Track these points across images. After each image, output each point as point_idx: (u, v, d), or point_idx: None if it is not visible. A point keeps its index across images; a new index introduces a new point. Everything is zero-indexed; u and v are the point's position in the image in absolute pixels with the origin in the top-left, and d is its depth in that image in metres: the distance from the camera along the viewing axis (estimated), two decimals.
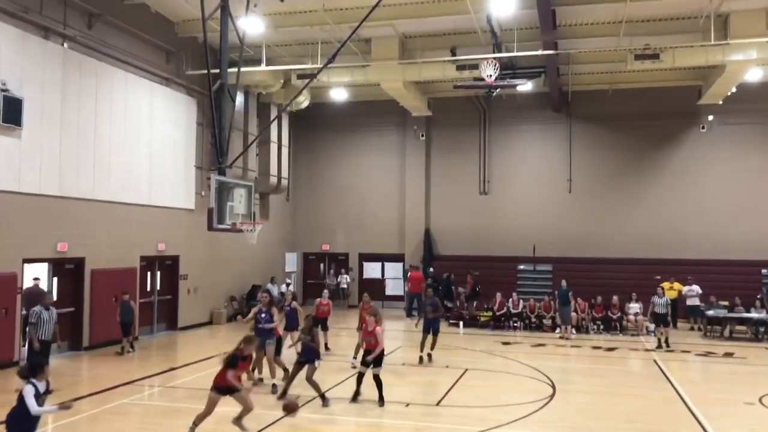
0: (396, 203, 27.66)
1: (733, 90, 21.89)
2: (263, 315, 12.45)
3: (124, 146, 17.84)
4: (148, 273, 19.41)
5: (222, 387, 9.11)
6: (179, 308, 20.49)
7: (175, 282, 20.42)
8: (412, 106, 25.18)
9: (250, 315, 12.71)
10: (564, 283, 20.42)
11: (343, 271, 27.75)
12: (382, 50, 20.62)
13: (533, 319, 21.39)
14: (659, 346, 17.53)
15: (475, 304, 22.87)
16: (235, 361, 9.23)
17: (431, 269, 25.58)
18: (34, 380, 7.02)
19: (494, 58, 18.66)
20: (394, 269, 27.82)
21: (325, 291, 17.31)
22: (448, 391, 12.39)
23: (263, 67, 20.53)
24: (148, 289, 19.46)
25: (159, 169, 19.25)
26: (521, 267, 25.34)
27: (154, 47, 19.15)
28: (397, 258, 27.51)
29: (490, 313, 21.81)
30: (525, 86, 21.78)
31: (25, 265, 14.85)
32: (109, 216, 17.24)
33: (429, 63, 20.70)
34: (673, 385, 13.10)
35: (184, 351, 17.72)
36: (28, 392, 6.86)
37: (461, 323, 21.75)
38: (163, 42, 19.45)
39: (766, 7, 17.71)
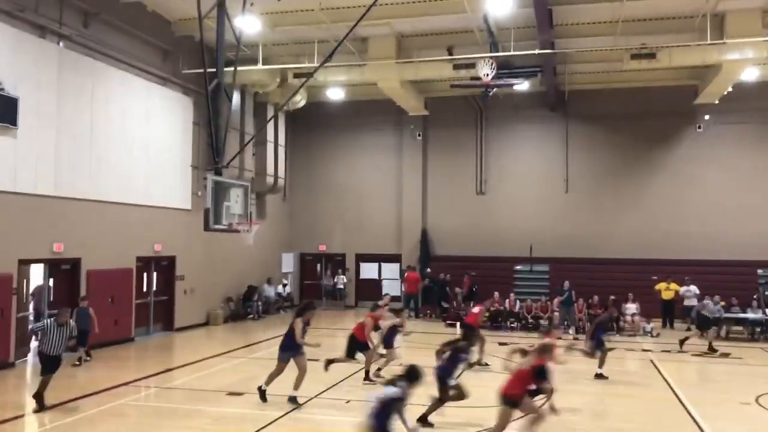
0: (393, 203, 27.65)
1: (730, 89, 21.90)
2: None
3: (121, 146, 17.79)
4: (145, 273, 19.35)
5: (511, 398, 8.41)
6: (176, 309, 20.44)
7: (172, 282, 20.37)
8: (409, 105, 25.15)
9: (299, 331, 11.21)
10: (567, 283, 20.46)
11: (339, 271, 27.72)
12: (378, 49, 20.59)
13: (530, 320, 21.42)
14: (681, 348, 17.20)
15: (472, 304, 22.81)
16: (543, 372, 8.91)
17: (428, 270, 25.57)
18: (404, 385, 7.03)
19: (491, 57, 18.66)
20: (390, 270, 27.79)
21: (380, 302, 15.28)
22: None
23: (260, 66, 20.49)
24: (145, 289, 19.40)
25: (155, 169, 19.19)
26: (518, 267, 25.33)
27: (150, 46, 19.10)
28: (394, 258, 27.50)
29: (488, 314, 21.78)
30: (522, 86, 21.78)
31: (23, 266, 14.81)
32: (106, 216, 17.19)
33: (426, 62, 20.67)
34: (669, 386, 13.10)
35: (181, 352, 17.66)
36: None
37: (458, 323, 21.68)
38: (160, 41, 19.39)
39: (761, 7, 17.73)
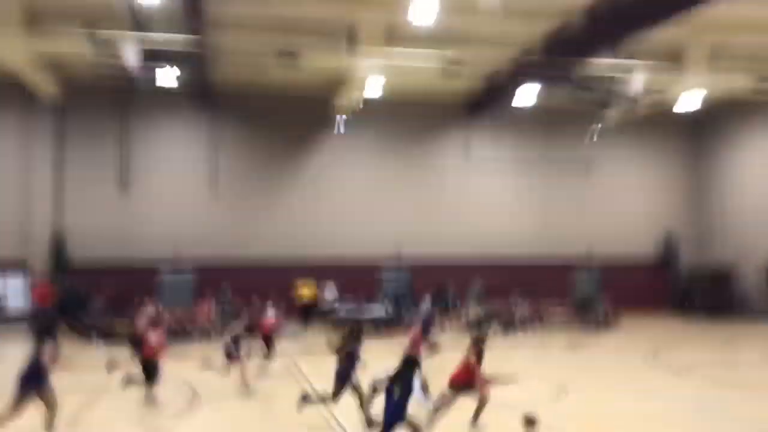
0: (17, 198, 24.00)
1: (369, 98, 23.68)
2: None
3: None
4: None
5: (461, 385, 9.70)
6: None
7: None
8: (41, 86, 22.09)
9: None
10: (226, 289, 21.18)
11: None
12: (1, 15, 17.58)
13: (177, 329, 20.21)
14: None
15: (112, 318, 20.63)
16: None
17: (65, 279, 22.52)
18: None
19: (133, 41, 17.37)
20: (15, 281, 23.64)
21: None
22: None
23: None
24: None
25: None
26: (162, 275, 24.16)
27: None
28: (19, 265, 23.57)
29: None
30: (172, 79, 20.55)
31: None
32: None
33: (60, 37, 18.43)
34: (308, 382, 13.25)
35: None
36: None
37: (97, 338, 19.39)
38: None
39: (391, 24, 19.29)
